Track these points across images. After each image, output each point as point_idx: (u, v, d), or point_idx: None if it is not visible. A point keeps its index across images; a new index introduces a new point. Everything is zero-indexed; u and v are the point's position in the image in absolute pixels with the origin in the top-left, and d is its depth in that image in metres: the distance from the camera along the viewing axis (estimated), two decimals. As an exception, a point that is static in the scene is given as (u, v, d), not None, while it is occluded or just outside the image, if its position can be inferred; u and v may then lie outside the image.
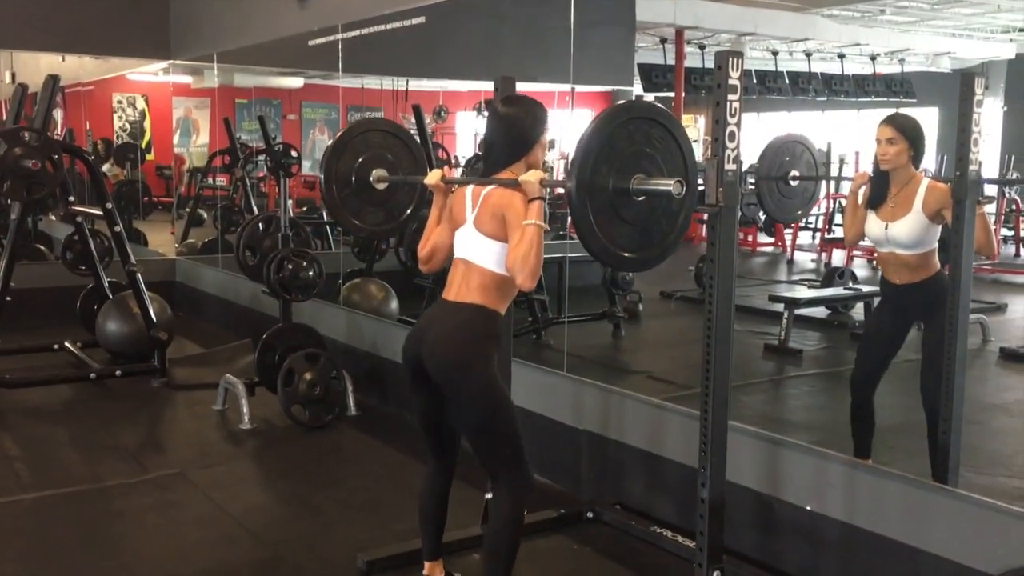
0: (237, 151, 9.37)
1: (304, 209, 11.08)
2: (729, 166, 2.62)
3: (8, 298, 5.56)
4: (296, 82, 12.60)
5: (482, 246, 2.83)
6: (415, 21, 5.78)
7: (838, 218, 11.62)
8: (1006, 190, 10.91)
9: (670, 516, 3.69)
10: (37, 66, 9.23)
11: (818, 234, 11.25)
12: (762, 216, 10.90)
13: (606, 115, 2.67)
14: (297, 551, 3.58)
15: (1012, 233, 11.75)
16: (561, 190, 3.24)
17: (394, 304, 6.63)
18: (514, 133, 2.89)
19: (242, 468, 4.62)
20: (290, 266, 5.17)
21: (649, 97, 15.74)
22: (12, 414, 5.25)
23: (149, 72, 10.85)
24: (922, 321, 3.78)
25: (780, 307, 6.73)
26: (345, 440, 4.93)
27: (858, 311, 7.20)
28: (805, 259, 11.27)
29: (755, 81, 11.26)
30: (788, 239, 11.30)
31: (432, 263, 3.06)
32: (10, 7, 7.66)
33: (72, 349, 6.40)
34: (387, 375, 5.35)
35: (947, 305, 3.23)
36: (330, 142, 3.61)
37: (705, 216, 2.74)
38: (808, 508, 3.22)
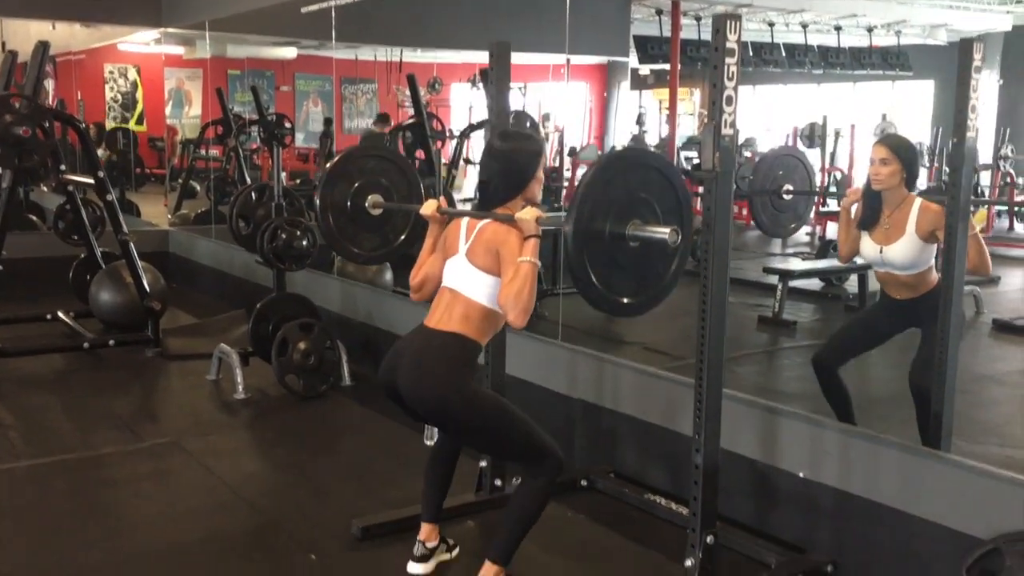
0: (230, 121, 9.30)
1: (298, 181, 11.04)
2: (726, 131, 2.61)
3: (0, 267, 5.53)
4: (289, 53, 12.51)
5: (472, 278, 2.84)
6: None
7: (832, 195, 11.61)
8: (1000, 163, 10.90)
9: (664, 484, 3.71)
10: (27, 33, 9.15)
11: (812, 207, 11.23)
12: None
13: (602, 164, 2.69)
14: (292, 518, 3.59)
15: (1006, 207, 11.75)
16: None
17: (388, 275, 6.62)
18: (511, 168, 2.90)
19: (236, 437, 4.62)
20: (284, 235, 5.14)
21: (644, 70, 15.67)
22: (5, 383, 5.24)
23: (140, 42, 10.74)
24: (919, 328, 3.75)
25: (774, 279, 6.74)
26: (339, 410, 4.93)
27: (852, 283, 7.21)
28: (799, 232, 11.25)
29: (751, 53, 11.19)
30: (782, 212, 11.27)
31: (424, 291, 3.06)
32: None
33: (65, 319, 6.38)
34: (381, 345, 5.35)
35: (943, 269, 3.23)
36: (325, 170, 3.56)
37: (700, 188, 2.75)
38: (802, 475, 3.24)
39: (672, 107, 13.90)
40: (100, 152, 10.99)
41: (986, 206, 10.85)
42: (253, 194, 5.83)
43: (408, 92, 8.20)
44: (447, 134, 8.52)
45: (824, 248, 8.19)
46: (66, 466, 4.07)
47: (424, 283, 3.05)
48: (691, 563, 2.86)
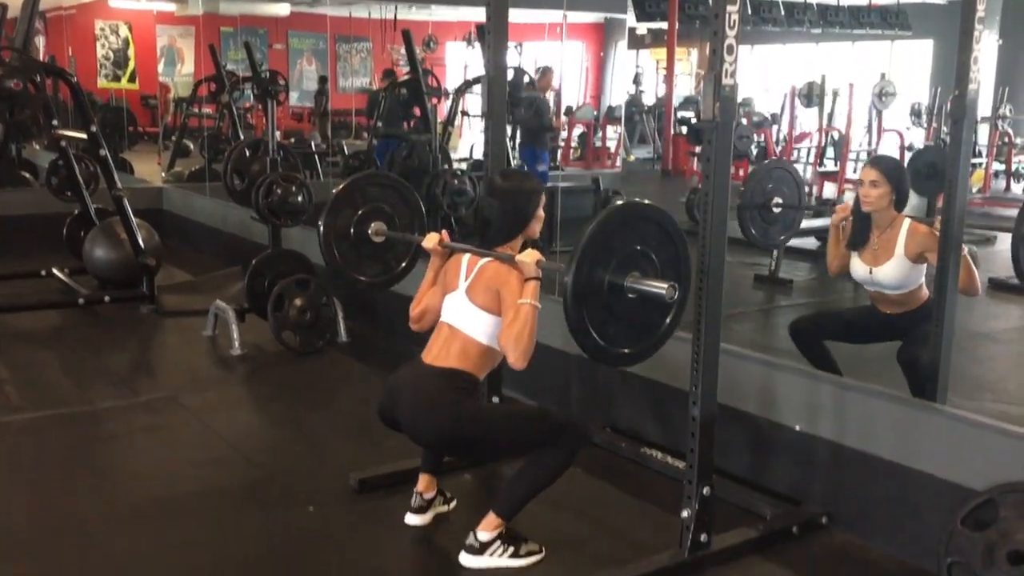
0: (223, 77, 9.21)
1: (292, 140, 10.97)
2: (727, 80, 2.59)
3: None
4: (283, 9, 12.37)
5: (471, 315, 2.85)
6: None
7: (830, 152, 11.57)
8: (998, 123, 10.87)
9: (659, 439, 3.72)
10: (17, -12, 9.01)
11: (810, 167, 11.19)
12: (755, 150, 10.85)
13: (602, 217, 2.68)
14: (289, 472, 3.60)
15: (1003, 167, 11.74)
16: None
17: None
18: (512, 208, 2.91)
19: (233, 392, 4.62)
20: (279, 190, 5.10)
21: (642, 29, 15.51)
22: (1, 339, 5.21)
23: (132, -2, 10.63)
24: (903, 340, 3.75)
25: (771, 238, 6.71)
26: (335, 365, 4.93)
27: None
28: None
29: (750, 12, 11.10)
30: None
31: (423, 323, 3.07)
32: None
33: (60, 275, 6.36)
34: (377, 302, 5.33)
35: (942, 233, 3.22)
36: (331, 196, 3.51)
37: (698, 148, 2.72)
38: (798, 428, 3.25)
39: (669, 66, 13.82)
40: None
41: (983, 167, 10.85)
42: (247, 150, 5.78)
43: (403, 51, 8.12)
44: (443, 92, 8.43)
45: (821, 207, 8.17)
46: (63, 420, 4.07)
47: (424, 315, 3.07)
48: (687, 514, 2.87)
